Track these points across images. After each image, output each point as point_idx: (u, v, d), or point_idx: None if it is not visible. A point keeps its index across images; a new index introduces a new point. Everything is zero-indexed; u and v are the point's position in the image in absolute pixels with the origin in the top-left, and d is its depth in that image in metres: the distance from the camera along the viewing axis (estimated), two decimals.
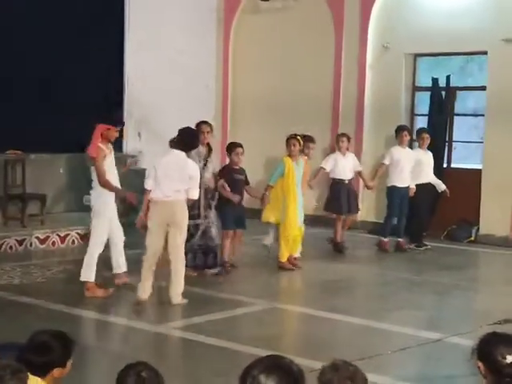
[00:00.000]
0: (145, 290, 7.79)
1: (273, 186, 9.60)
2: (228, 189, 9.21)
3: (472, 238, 12.01)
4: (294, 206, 9.55)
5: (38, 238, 10.48)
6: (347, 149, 11.11)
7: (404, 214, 11.27)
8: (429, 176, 11.31)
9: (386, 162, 11.14)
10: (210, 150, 9.19)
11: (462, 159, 13.64)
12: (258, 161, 11.97)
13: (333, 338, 6.86)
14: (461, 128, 13.33)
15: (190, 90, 13.80)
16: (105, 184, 8.01)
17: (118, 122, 8.33)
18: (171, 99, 13.28)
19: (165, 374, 5.50)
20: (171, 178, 7.63)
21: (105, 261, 8.28)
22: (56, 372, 3.48)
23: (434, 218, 11.83)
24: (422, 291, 8.76)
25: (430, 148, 11.43)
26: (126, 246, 8.39)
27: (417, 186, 11.22)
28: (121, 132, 9.15)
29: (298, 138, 9.59)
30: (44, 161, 11.95)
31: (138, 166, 11.66)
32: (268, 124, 13.40)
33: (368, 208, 12.62)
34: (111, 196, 8.10)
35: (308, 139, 10.20)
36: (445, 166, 12.56)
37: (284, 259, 9.61)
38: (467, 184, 12.07)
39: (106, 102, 12.16)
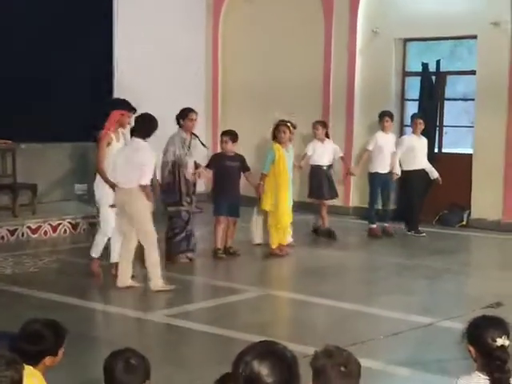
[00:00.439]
0: (123, 277, 7.80)
1: (267, 174, 9.57)
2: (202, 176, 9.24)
3: (464, 223, 12.05)
4: (286, 194, 9.54)
5: (29, 227, 10.47)
6: (327, 136, 11.06)
7: (390, 200, 11.32)
8: (422, 162, 11.32)
9: (370, 147, 11.17)
10: (196, 137, 9.17)
11: (452, 144, 13.66)
12: (249, 148, 11.96)
13: (325, 324, 6.89)
14: (451, 113, 13.35)
15: (180, 78, 13.77)
16: (99, 171, 8.03)
17: (131, 107, 8.29)
18: (161, 88, 13.25)
19: (158, 361, 5.53)
20: (124, 165, 7.65)
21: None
22: (48, 360, 3.50)
23: (424, 203, 11.85)
24: (414, 276, 8.79)
25: (421, 133, 11.44)
26: None
27: (410, 172, 11.24)
28: None
29: (288, 124, 9.56)
30: (35, 150, 11.91)
31: None
32: (259, 111, 13.38)
33: (361, 194, 12.64)
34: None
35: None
36: (436, 151, 12.58)
37: (274, 246, 9.61)
38: (458, 169, 12.10)
39: (95, 91, 12.10)
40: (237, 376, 2.53)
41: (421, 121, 11.31)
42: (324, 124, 11.22)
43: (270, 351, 2.57)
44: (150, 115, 7.93)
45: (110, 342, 5.89)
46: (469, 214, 12.06)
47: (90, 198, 10.02)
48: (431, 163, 11.51)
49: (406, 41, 12.87)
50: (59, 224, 10.77)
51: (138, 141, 7.73)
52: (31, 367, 3.32)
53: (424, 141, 11.41)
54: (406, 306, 7.44)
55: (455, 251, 10.35)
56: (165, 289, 7.77)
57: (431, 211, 12.05)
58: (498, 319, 3.41)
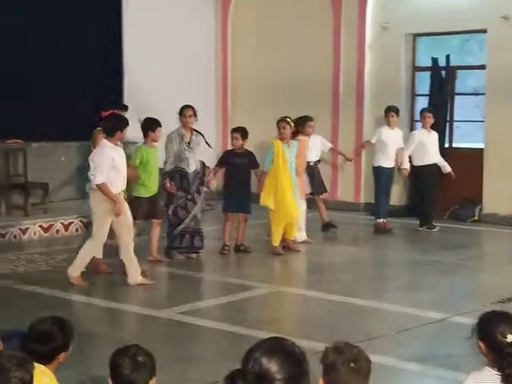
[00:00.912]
0: (131, 274, 7.91)
1: (267, 171, 9.53)
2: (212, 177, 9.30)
3: (476, 218, 12.01)
4: (289, 191, 9.44)
5: (41, 226, 10.50)
6: (312, 131, 10.82)
7: (389, 195, 11.29)
8: (434, 157, 11.27)
9: (373, 140, 11.15)
10: (197, 133, 9.19)
11: (464, 138, 13.61)
12: (258, 145, 11.95)
13: (336, 320, 6.87)
14: (462, 107, 13.30)
15: (189, 73, 13.77)
16: None
17: (121, 105, 8.32)
18: (170, 84, 13.26)
19: (169, 358, 5.56)
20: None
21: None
22: (61, 356, 3.53)
23: (436, 198, 11.82)
24: (425, 271, 8.77)
25: (431, 128, 11.40)
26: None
27: (421, 167, 11.20)
28: None
29: (288, 120, 9.51)
30: (45, 149, 11.95)
31: None
32: (268, 106, 13.36)
33: (370, 190, 12.61)
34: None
35: (307, 118, 10.21)
36: (446, 145, 12.54)
37: (276, 244, 9.56)
38: (470, 163, 12.05)
39: (105, 89, 12.12)
40: (246, 373, 2.53)
41: (430, 115, 11.27)
42: (313, 120, 11.00)
43: (279, 348, 2.57)
44: (116, 115, 7.96)
45: (122, 340, 5.90)
46: (481, 209, 12.02)
47: None
48: (443, 158, 11.47)
49: (416, 36, 12.82)
50: (71, 223, 10.81)
51: (102, 140, 7.79)
52: (42, 366, 3.34)
53: (434, 135, 11.36)
54: (418, 301, 7.42)
55: (467, 246, 10.32)
56: (143, 282, 7.84)
57: (443, 206, 12.00)
58: (507, 314, 3.40)
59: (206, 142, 9.37)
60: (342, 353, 2.77)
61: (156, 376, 3.16)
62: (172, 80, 13.33)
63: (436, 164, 11.32)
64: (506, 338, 3.19)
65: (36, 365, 3.17)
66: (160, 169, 9.01)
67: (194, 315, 6.89)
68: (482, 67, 12.12)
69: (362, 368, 2.74)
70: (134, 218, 8.51)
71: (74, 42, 11.96)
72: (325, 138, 11.31)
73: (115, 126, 7.73)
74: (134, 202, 8.59)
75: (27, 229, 10.36)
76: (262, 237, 10.12)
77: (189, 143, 9.08)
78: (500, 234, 11.24)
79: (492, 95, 11.82)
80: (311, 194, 10.71)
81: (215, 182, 9.63)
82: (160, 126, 8.84)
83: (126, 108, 8.33)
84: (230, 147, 10.27)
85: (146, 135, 8.82)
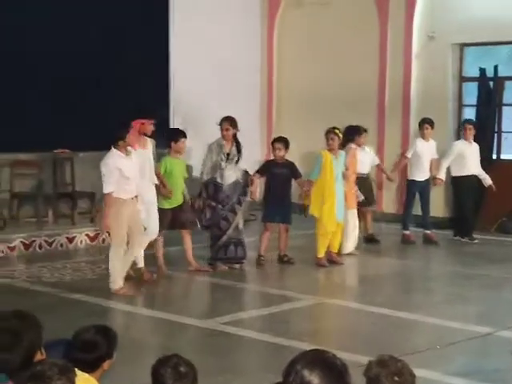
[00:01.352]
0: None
1: (313, 180, 9.51)
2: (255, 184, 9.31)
3: None
4: (332, 202, 9.40)
5: (87, 235, 10.61)
6: (364, 143, 10.84)
7: (428, 206, 11.20)
8: (473, 168, 11.14)
9: (409, 155, 11.07)
10: (237, 145, 9.20)
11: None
12: (303, 154, 11.94)
13: (380, 333, 6.81)
14: (510, 118, 13.10)
15: (235, 84, 13.82)
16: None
17: (150, 115, 8.46)
18: (216, 95, 13.32)
19: (212, 368, 5.57)
20: None
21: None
22: (106, 364, 3.55)
23: (481, 210, 11.66)
24: (471, 284, 8.65)
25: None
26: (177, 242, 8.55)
27: (459, 178, 11.10)
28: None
29: (337, 131, 9.50)
30: (92, 159, 12.03)
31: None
32: (314, 117, 13.34)
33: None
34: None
35: (362, 129, 10.26)
36: (494, 157, 12.37)
37: (321, 255, 9.51)
38: None
39: (151, 100, 12.23)
40: None
41: (471, 126, 11.17)
42: (366, 131, 11.02)
43: (321, 360, 2.56)
44: (121, 124, 8.11)
45: (165, 349, 5.93)
46: None
47: None
48: (489, 170, 11.32)
49: (463, 46, 12.70)
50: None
51: (111, 149, 7.92)
52: (86, 374, 3.37)
53: (475, 147, 11.24)
54: (464, 315, 7.33)
55: None
56: (121, 292, 7.90)
57: (490, 219, 11.84)
58: None
59: (240, 153, 9.27)
60: (386, 366, 2.74)
61: None
62: (218, 91, 13.39)
63: (475, 176, 11.18)
64: None
65: (80, 373, 3.19)
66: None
67: (236, 326, 6.89)
68: None
69: (406, 382, 2.71)
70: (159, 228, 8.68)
71: (121, 53, 12.10)
72: (370, 148, 11.25)
73: (117, 135, 7.90)
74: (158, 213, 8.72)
75: (74, 237, 10.48)
76: (305, 248, 10.08)
77: (228, 154, 9.11)
78: None
79: None
80: (362, 204, 10.66)
81: (258, 192, 9.62)
82: (183, 137, 8.89)
83: (153, 117, 8.48)
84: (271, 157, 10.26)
85: (169, 146, 8.88)
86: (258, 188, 9.49)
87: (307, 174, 9.76)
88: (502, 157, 12.59)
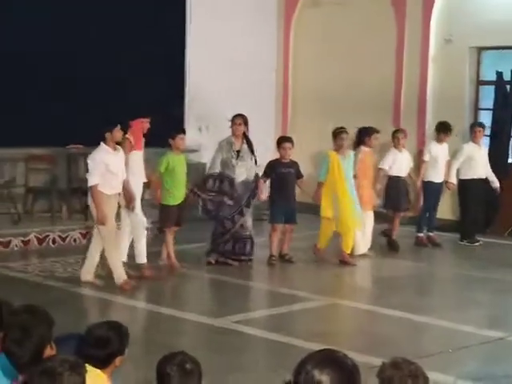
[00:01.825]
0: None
1: (323, 182, 9.52)
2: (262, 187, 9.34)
3: None
4: (347, 201, 9.41)
5: None
6: (403, 145, 10.91)
7: (435, 208, 11.15)
8: (481, 171, 11.10)
9: (426, 158, 10.99)
10: (248, 143, 9.23)
11: None
12: (318, 154, 11.91)
13: (393, 335, 6.77)
14: None
15: (251, 83, 13.80)
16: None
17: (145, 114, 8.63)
18: (231, 93, 13.31)
19: (222, 367, 5.56)
20: None
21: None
22: (117, 360, 3.54)
23: (495, 214, 11.60)
24: (484, 288, 8.60)
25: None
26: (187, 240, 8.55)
27: (467, 181, 11.06)
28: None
29: (344, 130, 9.52)
30: None
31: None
32: (329, 117, 13.25)
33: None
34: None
35: (373, 130, 10.14)
36: (510, 161, 12.30)
37: (348, 250, 9.51)
38: None
39: (167, 98, 12.25)
40: None
41: (480, 129, 11.16)
42: (406, 132, 11.04)
43: (331, 360, 2.54)
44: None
45: (176, 347, 5.92)
46: None
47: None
48: (505, 173, 11.26)
49: (481, 49, 12.64)
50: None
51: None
52: (97, 370, 3.37)
53: (484, 150, 11.24)
54: (477, 319, 7.29)
55: None
56: (93, 281, 8.06)
57: (503, 223, 11.77)
58: None
59: (255, 156, 9.28)
60: (399, 368, 2.73)
61: None
62: (233, 90, 13.38)
63: (482, 179, 11.13)
64: None
65: (91, 369, 3.19)
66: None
67: (247, 324, 6.89)
68: None
69: None
70: (162, 225, 8.74)
71: (138, 51, 12.12)
72: (384, 151, 11.19)
73: (104, 129, 7.98)
74: (161, 210, 8.82)
75: (87, 233, 10.50)
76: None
77: (238, 152, 9.12)
78: None
79: None
80: (396, 209, 10.60)
81: (266, 193, 9.59)
82: (181, 134, 8.93)
83: (148, 117, 8.61)
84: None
85: (168, 144, 8.93)
86: (264, 190, 9.47)
87: (319, 174, 9.74)
88: None
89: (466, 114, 12.44)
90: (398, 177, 10.65)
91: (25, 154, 11.15)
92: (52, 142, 11.12)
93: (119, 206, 8.25)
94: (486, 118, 12.55)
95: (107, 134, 7.93)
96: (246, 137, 9.23)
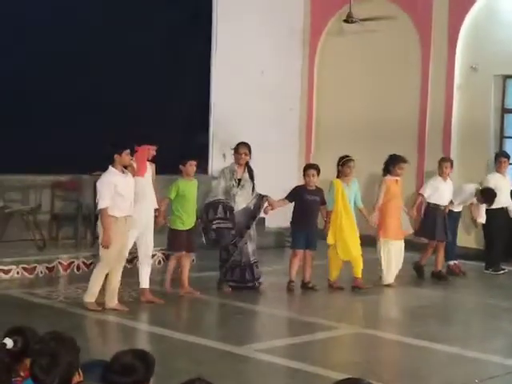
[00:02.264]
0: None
1: (331, 210, 9.57)
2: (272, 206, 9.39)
3: None
4: (348, 229, 9.50)
5: None
6: (448, 174, 10.83)
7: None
8: (504, 200, 11.12)
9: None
10: (250, 171, 9.29)
11: None
12: None
13: (419, 366, 6.70)
14: None
15: (275, 112, 13.87)
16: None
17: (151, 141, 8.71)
18: (256, 121, 13.38)
19: None
20: None
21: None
22: None
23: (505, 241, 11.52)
24: (510, 318, 8.50)
25: None
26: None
27: (491, 210, 11.04)
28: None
29: (350, 159, 9.66)
30: None
31: None
32: (353, 146, 13.23)
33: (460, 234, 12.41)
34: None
35: (400, 159, 10.11)
36: None
37: (332, 278, 9.62)
38: None
39: (192, 124, 12.33)
40: None
41: (505, 159, 11.21)
42: (452, 162, 10.95)
43: None
44: (112, 142, 8.19)
45: (198, 375, 5.90)
46: None
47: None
48: None
49: (506, 77, 12.61)
50: (153, 255, 10.85)
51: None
52: None
53: (508, 179, 11.24)
54: (504, 349, 7.22)
55: None
56: (91, 308, 8.06)
57: None
58: None
59: (253, 180, 9.31)
60: None
61: None
62: (258, 117, 13.45)
63: (504, 208, 11.14)
64: None
65: None
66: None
67: (271, 353, 6.83)
68: None
69: None
70: (169, 248, 9.01)
71: (162, 79, 12.23)
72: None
73: (112, 151, 8.00)
74: (170, 233, 8.95)
75: None
76: (339, 276, 9.98)
77: (239, 180, 9.15)
78: None
79: None
80: (434, 239, 10.53)
81: (270, 210, 9.54)
82: (190, 160, 9.00)
83: (156, 145, 8.69)
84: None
85: (180, 170, 9.05)
86: (275, 208, 9.46)
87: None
88: None
89: (491, 142, 12.39)
90: (437, 205, 10.57)
91: (50, 181, 11.25)
92: (77, 169, 11.22)
93: None
94: (511, 146, 12.50)
95: (116, 156, 7.96)
96: (247, 165, 9.29)
